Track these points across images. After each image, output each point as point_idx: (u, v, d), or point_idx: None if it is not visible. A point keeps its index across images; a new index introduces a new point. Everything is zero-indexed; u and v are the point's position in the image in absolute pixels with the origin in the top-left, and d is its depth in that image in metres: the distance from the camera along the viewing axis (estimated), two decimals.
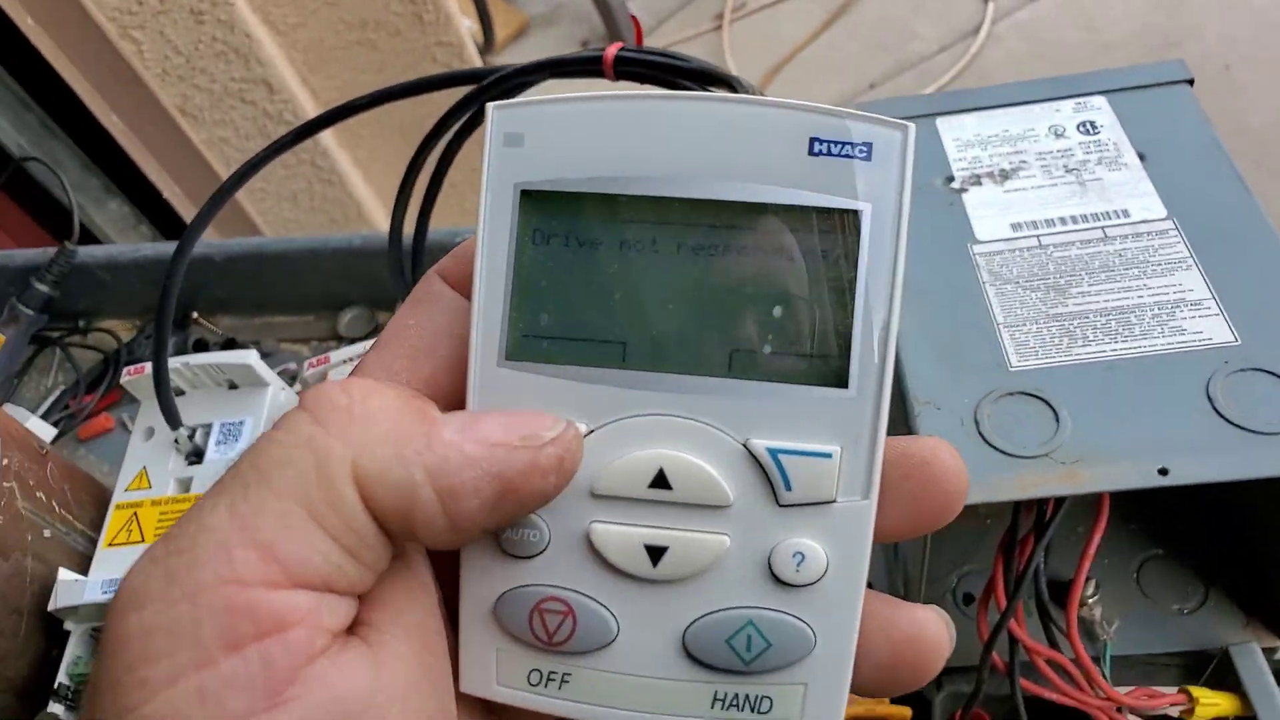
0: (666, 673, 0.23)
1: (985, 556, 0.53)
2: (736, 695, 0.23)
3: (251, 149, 1.43)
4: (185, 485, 0.59)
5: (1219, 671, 0.50)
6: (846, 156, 0.22)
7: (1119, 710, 0.47)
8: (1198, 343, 0.43)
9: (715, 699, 0.23)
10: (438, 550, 0.24)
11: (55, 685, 0.53)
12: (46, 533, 0.56)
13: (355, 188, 1.54)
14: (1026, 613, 0.49)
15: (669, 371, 0.23)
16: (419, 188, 0.61)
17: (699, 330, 0.23)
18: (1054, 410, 0.42)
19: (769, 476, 0.23)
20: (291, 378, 0.75)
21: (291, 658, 0.19)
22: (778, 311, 0.23)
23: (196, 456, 0.59)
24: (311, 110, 1.45)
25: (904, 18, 2.26)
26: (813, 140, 0.23)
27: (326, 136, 1.47)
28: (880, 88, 2.14)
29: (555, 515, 0.23)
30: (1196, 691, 0.48)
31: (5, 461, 0.54)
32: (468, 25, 2.28)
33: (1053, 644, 0.48)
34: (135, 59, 1.25)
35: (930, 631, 0.23)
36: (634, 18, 0.61)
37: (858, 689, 0.24)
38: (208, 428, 0.60)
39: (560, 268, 0.23)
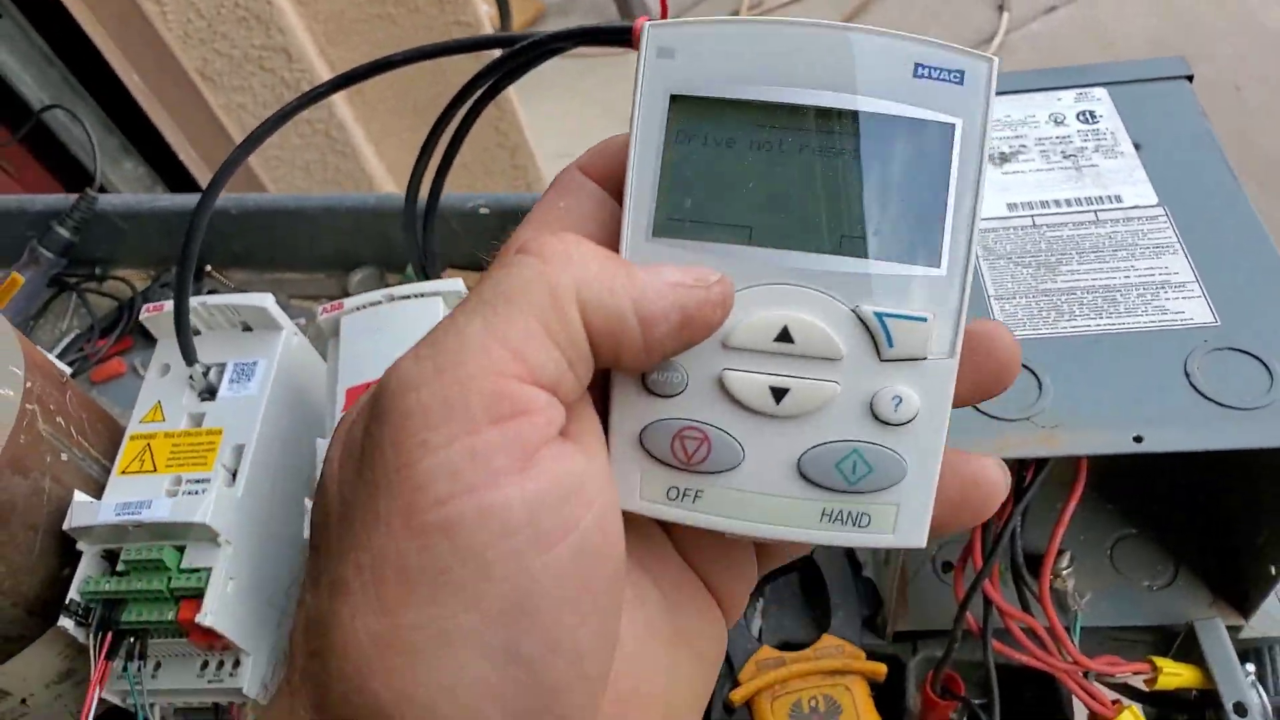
0: (784, 491, 0.28)
1: None
2: (841, 511, 0.28)
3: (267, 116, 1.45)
4: (197, 420, 0.60)
5: (1185, 646, 0.52)
6: (944, 80, 0.27)
7: (1085, 675, 0.49)
8: (1179, 322, 0.45)
9: (824, 514, 0.28)
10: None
11: (66, 602, 0.55)
12: (64, 456, 0.58)
13: (368, 161, 1.56)
14: (1002, 581, 0.51)
15: (790, 249, 0.28)
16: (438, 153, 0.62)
17: (818, 216, 0.27)
18: (1037, 378, 0.44)
19: (874, 335, 0.27)
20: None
21: (536, 436, 0.24)
22: (884, 203, 0.27)
23: (209, 394, 0.61)
24: None
25: (917, 25, 2.28)
26: (917, 65, 0.27)
27: (343, 109, 1.48)
28: None
29: (693, 362, 0.28)
30: (1160, 662, 0.50)
31: (29, 385, 0.56)
32: (485, 10, 2.29)
33: (1026, 610, 0.50)
34: (158, 20, 1.26)
35: (993, 474, 0.28)
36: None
37: (934, 520, 0.28)
38: (221, 367, 0.62)
39: (701, 162, 0.28)
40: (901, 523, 0.28)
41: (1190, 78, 0.56)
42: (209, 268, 0.91)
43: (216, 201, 0.81)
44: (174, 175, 1.50)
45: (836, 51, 0.27)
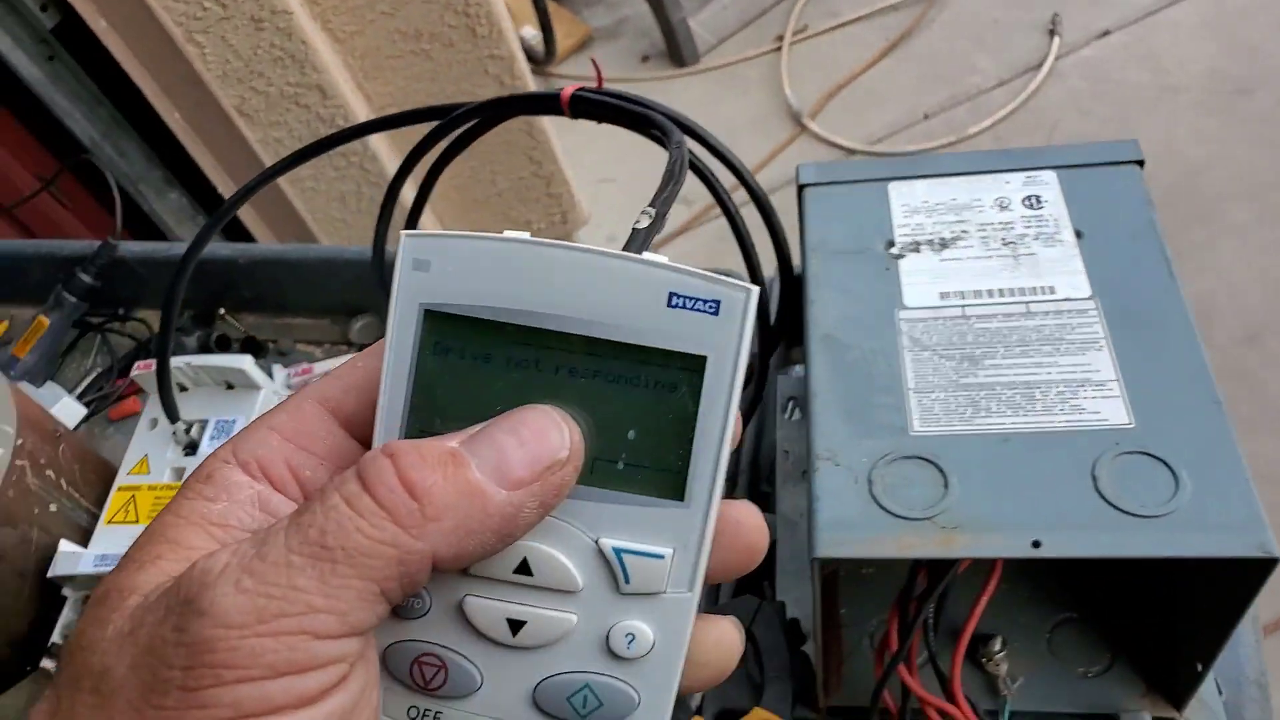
0: (518, 719, 0.28)
1: None
2: None
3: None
4: (179, 474, 0.64)
5: None
6: (698, 310, 0.27)
7: None
8: (1093, 423, 0.46)
9: None
10: None
11: (49, 644, 0.59)
12: (53, 507, 0.62)
13: (403, 194, 1.60)
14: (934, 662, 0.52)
15: None
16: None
17: None
18: (945, 476, 0.45)
19: (612, 570, 0.27)
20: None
21: (326, 681, 0.25)
22: (632, 434, 0.27)
23: (191, 449, 0.65)
24: (365, 114, 1.52)
25: (964, 50, 2.25)
26: (671, 294, 0.27)
27: (376, 142, 1.53)
28: (934, 119, 2.14)
29: (437, 586, 0.28)
30: None
31: (20, 442, 0.59)
32: (531, 34, 2.33)
33: (948, 693, 0.50)
34: (198, 61, 1.32)
35: (731, 638, 0.30)
36: (594, 61, 0.62)
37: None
38: (204, 423, 0.65)
39: (453, 377, 0.27)
40: None
41: (1141, 163, 0.56)
42: (222, 311, 0.95)
43: (226, 252, 0.85)
44: (214, 206, 1.57)
45: (591, 277, 0.27)
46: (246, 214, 1.57)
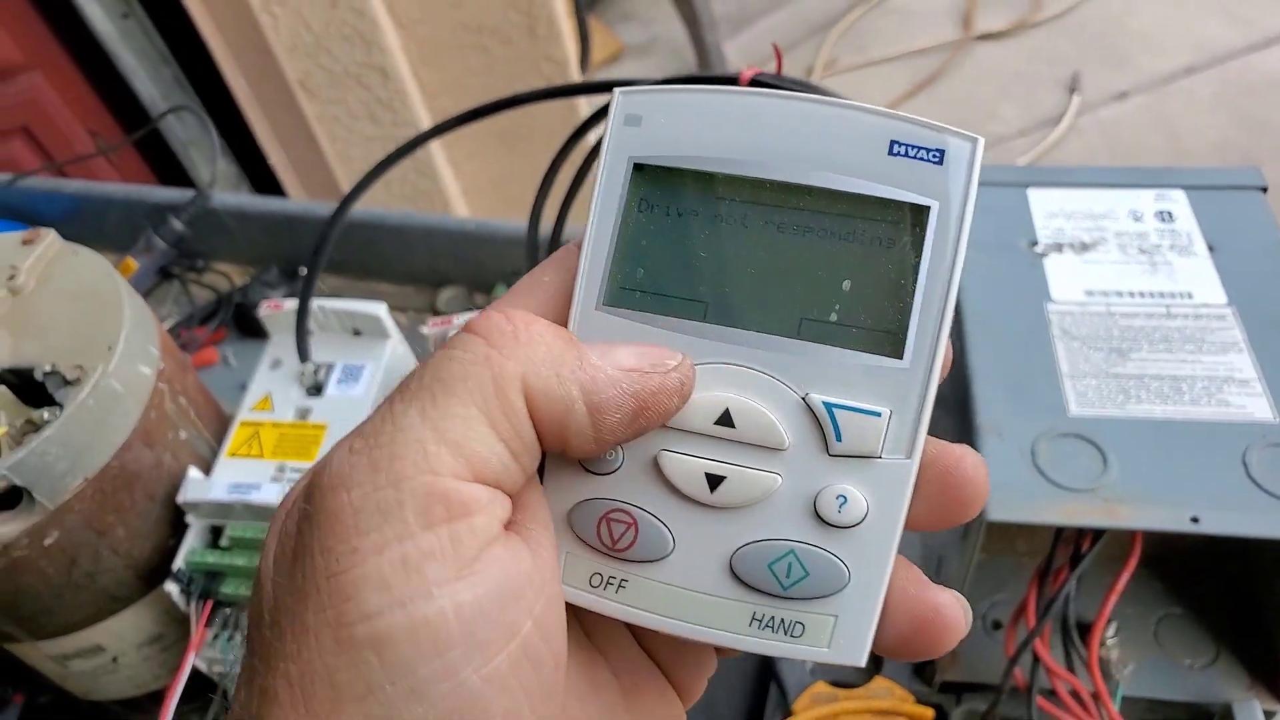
0: (713, 589, 0.26)
1: (1016, 588, 0.58)
2: (773, 618, 0.26)
3: (359, 130, 1.51)
4: (303, 414, 0.65)
5: None
6: (921, 159, 0.25)
7: None
8: (1240, 416, 0.48)
9: (753, 618, 0.26)
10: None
11: (174, 569, 0.59)
12: (183, 434, 0.63)
13: (447, 184, 1.62)
14: (1050, 644, 0.54)
15: (745, 329, 0.26)
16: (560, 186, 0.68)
17: (775, 295, 0.26)
18: (1103, 454, 0.47)
19: (822, 427, 0.25)
20: None
21: (476, 539, 0.22)
22: (847, 286, 0.26)
23: (316, 390, 0.66)
24: (419, 101, 1.54)
25: (988, 98, 2.32)
26: (893, 142, 0.26)
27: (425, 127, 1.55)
28: None
29: (630, 442, 0.26)
30: None
31: (162, 366, 0.60)
32: (572, 47, 2.37)
33: (1070, 672, 0.53)
34: (270, 30, 1.34)
35: (953, 611, 0.26)
36: (775, 46, 0.64)
37: (879, 648, 0.26)
38: (330, 367, 0.66)
39: (660, 232, 0.27)
40: (839, 637, 0.25)
41: (1264, 189, 0.60)
42: (303, 269, 0.97)
43: (320, 210, 0.87)
44: (259, 176, 1.57)
45: (808, 124, 0.26)
46: (293, 186, 1.58)
